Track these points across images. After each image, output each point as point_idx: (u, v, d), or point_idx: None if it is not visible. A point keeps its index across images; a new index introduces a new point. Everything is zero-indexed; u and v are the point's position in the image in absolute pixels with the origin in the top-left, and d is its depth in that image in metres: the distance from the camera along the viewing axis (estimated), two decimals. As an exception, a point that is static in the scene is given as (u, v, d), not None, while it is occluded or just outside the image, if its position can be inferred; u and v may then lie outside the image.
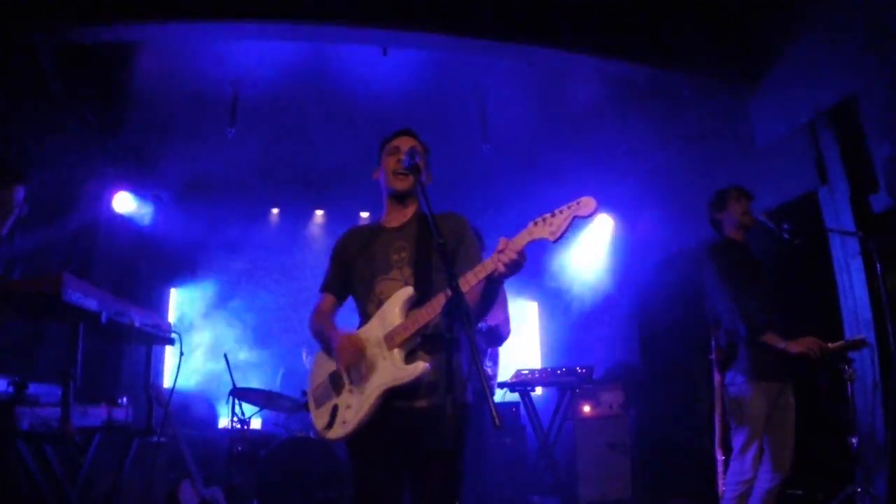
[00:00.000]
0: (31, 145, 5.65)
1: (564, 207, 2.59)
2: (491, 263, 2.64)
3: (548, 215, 2.60)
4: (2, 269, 4.08)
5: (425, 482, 2.84)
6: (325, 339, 3.09)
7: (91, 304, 3.43)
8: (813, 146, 5.55)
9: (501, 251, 2.61)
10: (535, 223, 2.61)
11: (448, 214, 3.18)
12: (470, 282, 2.70)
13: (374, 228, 3.27)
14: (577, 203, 2.57)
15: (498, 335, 5.56)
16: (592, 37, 5.61)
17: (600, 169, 7.93)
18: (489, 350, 5.74)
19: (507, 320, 5.59)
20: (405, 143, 3.18)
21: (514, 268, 2.61)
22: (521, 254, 2.60)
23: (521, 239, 2.61)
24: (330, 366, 3.09)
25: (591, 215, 2.57)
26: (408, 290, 2.94)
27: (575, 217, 2.57)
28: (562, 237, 2.57)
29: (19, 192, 4.01)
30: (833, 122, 5.38)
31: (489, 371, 5.73)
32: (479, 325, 5.43)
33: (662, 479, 7.12)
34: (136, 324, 3.86)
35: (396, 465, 2.91)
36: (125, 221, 7.81)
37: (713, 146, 6.69)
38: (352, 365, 2.91)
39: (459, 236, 3.11)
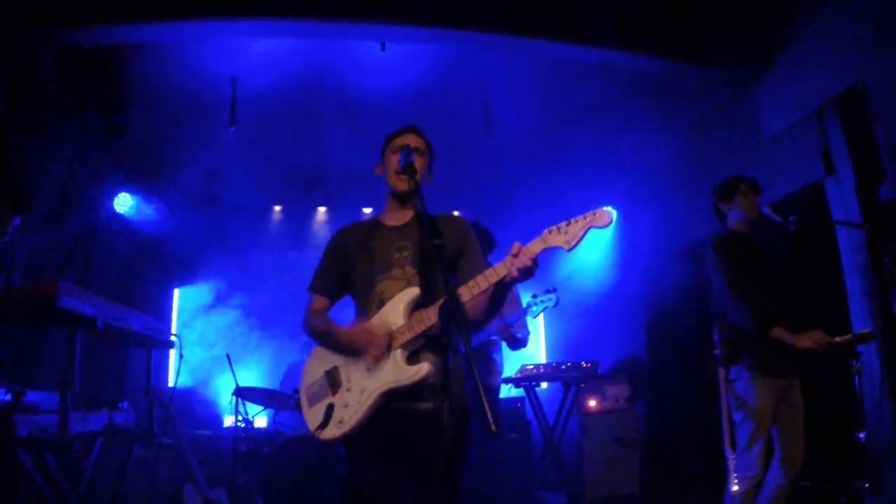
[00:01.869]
0: (32, 149, 5.63)
1: (580, 217, 2.59)
2: (503, 268, 2.63)
3: (563, 224, 2.61)
4: (2, 278, 4.06)
5: (425, 486, 2.79)
6: (334, 339, 3.00)
7: (87, 310, 3.42)
8: (820, 136, 5.47)
9: (516, 256, 2.60)
10: (550, 231, 2.62)
11: (450, 217, 3.16)
12: (480, 285, 2.69)
13: (373, 225, 3.21)
14: (594, 214, 2.57)
15: (522, 343, 5.62)
16: (596, 29, 5.54)
17: (606, 162, 7.87)
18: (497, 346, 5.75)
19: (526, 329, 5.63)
20: (409, 141, 3.13)
21: (527, 274, 2.61)
22: (535, 260, 2.59)
23: (535, 246, 2.61)
24: (327, 363, 3.04)
25: (606, 226, 2.57)
26: (413, 291, 2.91)
27: (591, 228, 2.57)
28: (576, 246, 2.58)
29: (16, 221, 4.01)
30: (840, 111, 5.29)
31: (497, 361, 5.72)
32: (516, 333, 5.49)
33: (671, 474, 7.07)
34: (135, 328, 3.85)
35: (395, 468, 2.87)
36: (127, 223, 7.80)
37: (719, 137, 6.62)
38: (383, 352, 2.82)
39: (461, 240, 3.08)
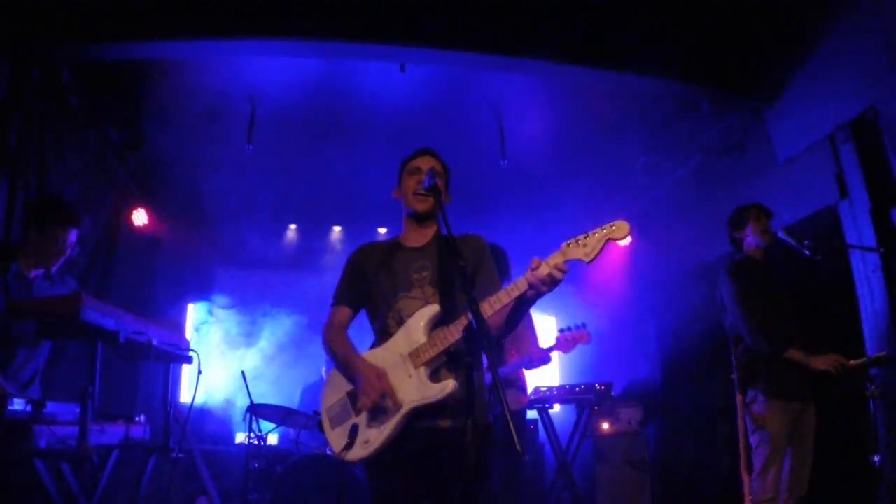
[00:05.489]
0: (52, 161, 5.68)
1: (598, 229, 2.59)
2: (524, 282, 2.63)
3: (581, 236, 2.61)
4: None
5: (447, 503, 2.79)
6: (349, 368, 2.99)
7: (109, 323, 3.43)
8: (833, 159, 5.49)
9: (535, 269, 2.59)
10: (569, 244, 2.62)
11: (467, 236, 3.17)
12: (502, 300, 2.69)
13: (393, 246, 3.24)
14: (612, 226, 2.58)
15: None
16: (610, 52, 5.57)
17: (620, 184, 7.89)
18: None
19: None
20: (426, 163, 3.15)
21: (551, 284, 2.59)
22: (560, 269, 2.58)
23: (555, 259, 2.61)
24: (348, 384, 3.03)
25: (624, 238, 2.58)
26: (433, 308, 2.92)
27: (609, 240, 2.57)
28: (595, 259, 2.57)
29: (73, 234, 4.18)
30: (853, 135, 5.31)
31: (522, 378, 5.69)
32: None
33: (682, 498, 7.03)
34: (155, 343, 3.85)
35: (418, 486, 2.86)
36: (143, 237, 7.85)
37: (733, 161, 6.63)
38: (376, 405, 2.81)
39: (478, 258, 3.10)
